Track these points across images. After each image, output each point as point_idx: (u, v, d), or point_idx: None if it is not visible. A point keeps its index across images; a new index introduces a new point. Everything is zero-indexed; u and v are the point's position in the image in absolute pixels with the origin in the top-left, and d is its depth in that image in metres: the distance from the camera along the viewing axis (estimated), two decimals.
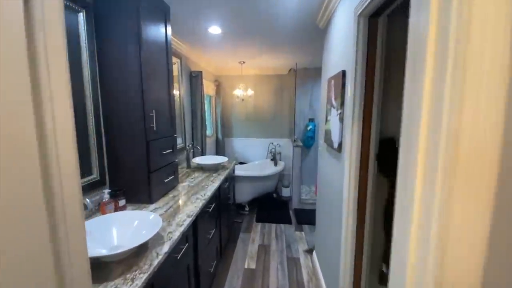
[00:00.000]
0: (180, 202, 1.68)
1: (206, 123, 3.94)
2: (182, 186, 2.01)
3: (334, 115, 1.61)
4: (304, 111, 4.49)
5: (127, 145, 1.59)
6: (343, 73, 1.44)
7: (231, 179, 2.74)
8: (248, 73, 4.40)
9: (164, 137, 1.77)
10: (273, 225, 3.16)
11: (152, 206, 1.59)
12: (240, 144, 4.63)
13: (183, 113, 2.85)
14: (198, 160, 2.66)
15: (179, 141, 2.84)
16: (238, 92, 3.84)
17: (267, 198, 4.06)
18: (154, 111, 1.59)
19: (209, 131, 4.33)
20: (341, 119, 1.45)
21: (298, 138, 4.09)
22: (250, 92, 3.93)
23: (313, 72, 4.39)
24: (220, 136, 4.40)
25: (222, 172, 2.46)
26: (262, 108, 4.51)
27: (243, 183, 3.46)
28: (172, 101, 1.89)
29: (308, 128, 4.35)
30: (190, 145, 2.80)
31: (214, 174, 2.37)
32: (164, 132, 1.77)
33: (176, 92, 2.75)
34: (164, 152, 1.75)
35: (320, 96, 2.24)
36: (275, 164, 4.26)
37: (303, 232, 2.98)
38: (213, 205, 1.94)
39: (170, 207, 1.59)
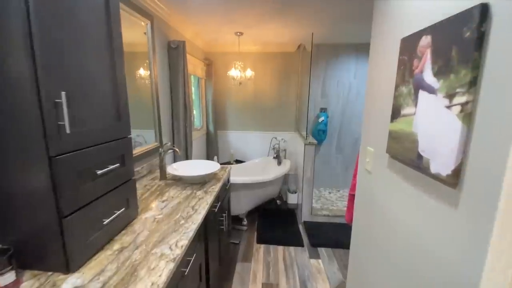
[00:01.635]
0: (131, 264, 0.89)
1: (193, 113, 3.10)
2: (144, 220, 1.22)
3: (432, 105, 0.81)
4: (314, 99, 3.68)
5: (14, 166, 0.78)
6: (482, 11, 0.63)
7: (225, 193, 1.96)
8: (247, 50, 3.52)
9: (100, 143, 0.96)
10: (280, 248, 2.43)
11: (71, 280, 0.81)
12: (237, 139, 3.82)
13: (156, 100, 2.02)
14: (176, 168, 1.86)
15: (150, 139, 2.02)
16: (234, 73, 2.99)
17: (269, 206, 3.31)
18: (64, 94, 0.77)
19: (197, 123, 3.50)
20: (466, 117, 0.67)
21: (308, 134, 3.31)
22: (249, 73, 3.08)
23: (329, 50, 3.55)
24: (211, 129, 3.58)
25: (212, 187, 1.68)
26: (263, 94, 3.68)
27: (239, 192, 2.70)
28: (120, 79, 1.07)
29: (320, 120, 3.56)
30: (169, 144, 1.99)
31: (198, 192, 1.58)
32: (101, 133, 0.96)
33: (142, 71, 1.90)
34: (101, 172, 0.95)
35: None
36: (279, 163, 3.49)
37: (320, 261, 2.25)
38: (193, 257, 1.17)
39: (105, 284, 0.80)
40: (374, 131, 1.22)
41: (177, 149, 1.81)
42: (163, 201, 1.44)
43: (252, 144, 3.80)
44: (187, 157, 2.47)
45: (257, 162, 3.57)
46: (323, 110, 3.65)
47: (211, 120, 3.54)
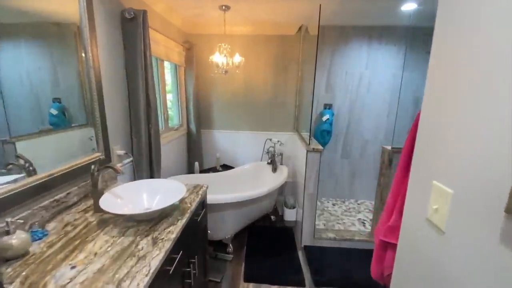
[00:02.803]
0: None
1: (168, 109, 2.47)
2: None
3: None
4: (318, 94, 3.07)
5: None
6: None
7: (196, 225, 1.37)
8: (236, 31, 2.88)
9: None
10: None
11: None
12: (224, 140, 3.20)
13: (96, 93, 1.39)
14: (118, 194, 1.24)
15: (88, 147, 1.39)
16: (219, 58, 2.35)
17: (261, 223, 2.73)
18: None
19: (175, 121, 2.87)
20: None
21: (311, 135, 2.71)
22: (237, 58, 2.45)
23: (335, 34, 2.93)
24: (193, 128, 2.95)
25: (169, 228, 1.08)
26: (256, 87, 3.05)
27: (223, 212, 2.10)
28: None
29: (324, 119, 2.96)
30: (101, 158, 1.36)
31: (143, 242, 0.98)
32: None
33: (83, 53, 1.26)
34: None
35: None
36: (274, 170, 2.90)
37: None
38: None
39: None
40: (458, 158, 0.62)
41: (117, 167, 1.19)
42: (73, 267, 0.83)
43: (242, 146, 3.19)
44: (151, 170, 1.85)
45: (247, 169, 2.98)
46: (328, 107, 3.05)
47: (192, 117, 2.91)
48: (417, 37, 2.88)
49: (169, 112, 2.79)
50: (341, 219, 2.84)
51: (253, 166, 3.00)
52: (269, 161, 2.93)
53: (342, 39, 2.95)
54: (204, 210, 1.51)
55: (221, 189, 2.70)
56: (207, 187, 1.55)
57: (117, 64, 1.61)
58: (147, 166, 1.80)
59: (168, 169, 2.48)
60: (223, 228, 2.16)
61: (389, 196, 1.18)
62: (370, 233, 2.44)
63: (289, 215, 2.65)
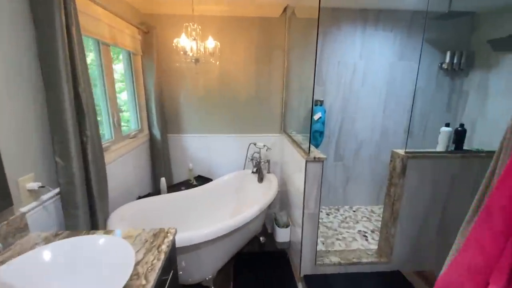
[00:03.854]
0: None
1: (119, 110, 1.84)
2: None
3: None
4: (306, 88, 2.63)
5: None
6: None
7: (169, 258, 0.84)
8: (207, 11, 2.31)
9: None
10: None
11: None
12: (199, 146, 2.63)
13: None
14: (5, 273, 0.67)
15: None
16: (186, 42, 1.78)
17: (249, 248, 2.24)
18: None
19: (132, 125, 2.25)
20: None
21: (304, 138, 2.25)
22: (211, 44, 1.91)
23: (326, 17, 2.50)
24: (157, 132, 2.35)
25: None
26: (234, 79, 2.52)
27: (201, 250, 1.57)
28: None
29: (316, 117, 2.53)
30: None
31: None
32: None
33: None
34: None
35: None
36: (260, 180, 2.43)
37: None
38: None
39: None
40: None
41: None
42: None
43: (221, 153, 2.65)
44: (91, 206, 1.26)
45: (228, 180, 2.45)
46: (319, 103, 2.62)
47: (155, 119, 2.30)
48: (415, 21, 2.56)
49: (124, 115, 2.15)
50: (340, 233, 2.46)
51: (235, 177, 2.48)
52: (255, 169, 2.44)
53: (334, 24, 2.52)
54: (172, 272, 0.98)
55: (196, 212, 2.15)
56: (175, 233, 1.01)
57: (22, 48, 0.99)
58: (84, 201, 1.20)
59: (123, 192, 1.88)
60: (202, 269, 1.64)
61: (477, 246, 0.77)
62: (377, 252, 2.08)
63: (282, 235, 2.20)
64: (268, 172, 2.49)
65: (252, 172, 2.46)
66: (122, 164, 1.86)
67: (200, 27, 1.82)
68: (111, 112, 1.77)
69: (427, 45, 2.63)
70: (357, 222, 2.65)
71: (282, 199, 2.57)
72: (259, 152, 2.46)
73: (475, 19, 2.50)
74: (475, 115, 2.61)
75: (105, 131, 1.78)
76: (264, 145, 2.44)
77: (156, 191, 2.30)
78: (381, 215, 2.87)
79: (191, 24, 1.77)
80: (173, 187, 2.36)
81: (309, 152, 1.69)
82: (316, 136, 2.56)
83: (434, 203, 1.88)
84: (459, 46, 2.60)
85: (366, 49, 2.60)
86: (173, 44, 1.77)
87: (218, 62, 2.38)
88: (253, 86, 2.53)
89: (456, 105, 2.81)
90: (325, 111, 2.61)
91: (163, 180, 2.14)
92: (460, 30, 2.58)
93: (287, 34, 2.46)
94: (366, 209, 2.97)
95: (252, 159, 2.47)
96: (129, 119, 2.26)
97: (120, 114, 1.97)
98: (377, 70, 2.66)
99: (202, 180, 2.51)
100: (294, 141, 2.15)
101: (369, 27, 2.55)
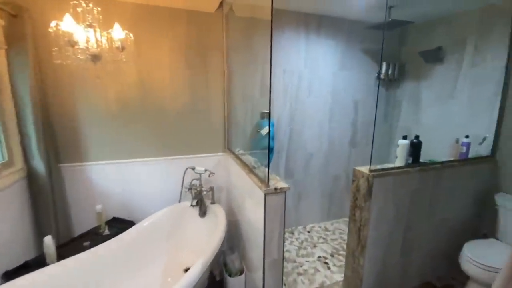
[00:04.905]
0: None
1: None
2: None
3: None
4: (251, 98, 2.26)
5: None
6: None
7: None
8: None
9: None
10: None
11: None
12: (113, 177, 1.92)
13: None
14: None
15: None
16: (76, 29, 1.16)
17: None
18: None
19: None
20: None
21: (257, 161, 1.83)
22: (118, 34, 1.33)
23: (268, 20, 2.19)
24: (39, 164, 1.56)
25: None
26: (160, 86, 1.94)
27: None
28: None
29: (264, 132, 2.17)
30: None
31: None
32: None
33: None
34: None
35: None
36: (203, 214, 1.91)
37: None
38: None
39: None
40: None
41: None
42: None
43: (146, 183, 2.00)
44: None
45: (158, 221, 1.83)
46: (266, 116, 2.28)
47: (35, 145, 1.53)
48: (353, 31, 2.51)
49: None
50: (300, 264, 2.13)
51: (169, 214, 1.89)
52: (194, 202, 1.90)
53: (277, 27, 2.25)
54: None
55: (110, 280, 1.47)
56: None
57: None
58: None
59: None
60: None
61: None
62: (345, 285, 1.82)
63: (235, 285, 1.71)
64: (212, 203, 1.98)
65: (192, 205, 1.91)
66: None
67: (99, 9, 1.23)
68: None
69: (365, 56, 2.63)
70: (315, 246, 2.39)
71: (231, 233, 2.08)
72: (199, 179, 1.94)
73: (407, 31, 2.61)
74: (409, 123, 2.72)
75: None
76: (206, 170, 1.94)
77: (38, 259, 1.49)
78: (335, 232, 2.72)
79: (82, 2, 1.16)
80: (71, 244, 1.60)
81: (268, 182, 1.28)
82: (265, 153, 2.19)
83: (397, 222, 1.73)
84: (393, 57, 2.68)
85: (310, 57, 2.41)
86: (50, 30, 1.13)
87: (136, 64, 1.78)
88: (186, 94, 2.01)
89: (392, 115, 2.91)
90: (273, 125, 2.29)
91: (47, 240, 1.38)
92: (393, 42, 2.66)
93: (226, 34, 2.06)
94: (320, 227, 2.76)
95: (190, 188, 1.93)
96: None
97: None
98: (321, 79, 2.50)
99: (119, 225, 1.82)
100: (244, 164, 1.73)
101: (311, 33, 2.37)
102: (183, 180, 1.99)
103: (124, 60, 1.46)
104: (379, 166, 1.65)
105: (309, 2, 2.12)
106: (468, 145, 1.90)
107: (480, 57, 2.02)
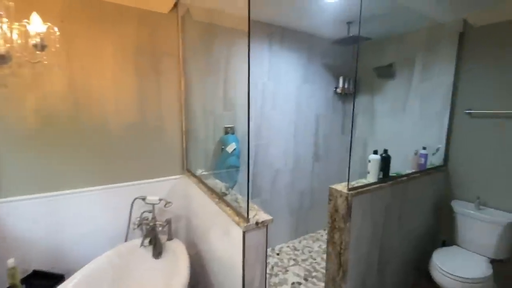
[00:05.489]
0: None
1: None
2: None
3: None
4: (213, 111, 2.03)
5: None
6: None
7: None
8: None
9: None
10: None
11: None
12: (33, 216, 1.43)
13: None
14: None
15: None
16: None
17: None
18: None
19: None
20: None
21: (229, 186, 1.57)
22: (37, 27, 0.97)
23: (233, 23, 2.01)
24: None
25: None
26: (100, 98, 1.56)
27: None
28: None
29: (230, 149, 1.95)
30: None
31: None
32: None
33: None
34: None
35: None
36: (158, 254, 1.56)
37: None
38: None
39: None
40: None
41: None
42: None
43: (79, 221, 1.55)
44: None
45: (94, 274, 1.41)
46: (231, 132, 2.06)
47: None
48: (314, 45, 2.52)
49: None
50: None
51: (111, 260, 1.47)
52: (147, 240, 1.53)
53: (239, 36, 2.08)
54: None
55: None
56: None
57: None
58: None
59: None
60: None
61: None
62: None
63: None
64: (170, 239, 1.64)
65: (143, 245, 1.54)
66: None
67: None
68: None
69: (325, 70, 2.66)
70: (286, 271, 2.20)
71: (194, 270, 1.75)
72: (151, 211, 1.59)
73: (362, 48, 2.72)
74: (365, 135, 2.81)
75: None
76: (160, 199, 1.59)
77: None
78: (304, 250, 2.59)
79: None
80: None
81: (247, 215, 1.05)
82: (232, 173, 1.96)
83: (374, 241, 1.67)
84: (348, 72, 2.77)
85: (274, 69, 2.31)
86: None
87: (66, 69, 1.39)
88: (134, 108, 1.67)
89: (348, 127, 2.99)
90: (238, 141, 2.07)
91: None
92: (350, 57, 2.76)
93: (182, 39, 1.80)
94: (288, 246, 2.60)
95: (140, 224, 1.56)
96: None
97: None
98: (285, 92, 2.42)
99: (43, 281, 1.34)
100: (210, 190, 1.46)
101: (275, 44, 2.28)
102: (130, 214, 1.61)
103: (45, 62, 1.09)
104: (354, 183, 1.57)
105: (271, 13, 2.03)
106: (425, 156, 1.98)
107: (428, 73, 2.18)
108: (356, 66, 2.76)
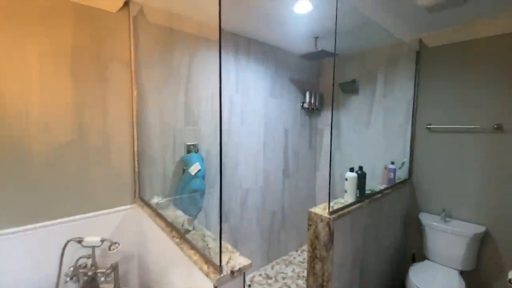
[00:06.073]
0: None
1: None
2: None
3: None
4: (173, 126, 1.76)
5: None
6: None
7: None
8: None
9: None
10: None
11: None
12: None
13: None
14: None
15: None
16: None
17: None
18: None
19: None
20: None
21: (192, 219, 1.29)
22: None
23: (191, 36, 1.82)
24: None
25: None
26: (21, 109, 1.19)
27: None
28: None
29: (193, 171, 1.68)
30: None
31: None
32: None
33: None
34: None
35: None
36: None
37: None
38: None
39: None
40: None
41: None
42: None
43: None
44: None
45: None
46: (194, 150, 1.81)
47: None
48: (280, 59, 2.45)
49: None
50: None
51: None
52: None
53: (202, 44, 1.89)
54: None
55: None
56: None
57: None
58: None
59: None
60: None
61: None
62: None
63: None
64: None
65: None
66: None
67: None
68: None
69: (292, 84, 2.60)
70: None
71: None
72: (91, 256, 1.23)
73: (327, 63, 2.74)
74: (332, 149, 2.79)
75: None
76: (103, 240, 1.25)
77: None
78: (277, 277, 2.38)
79: None
80: None
81: (220, 263, 0.82)
82: (195, 198, 1.68)
83: (355, 265, 1.55)
84: (313, 87, 2.76)
85: (241, 81, 2.15)
86: None
87: None
88: (68, 123, 1.32)
89: (315, 142, 2.95)
90: (203, 159, 1.82)
91: None
92: (315, 72, 2.75)
93: (134, 43, 1.53)
94: (260, 275, 2.37)
95: (75, 274, 1.19)
96: None
97: None
98: (254, 106, 2.27)
99: None
100: (169, 225, 1.18)
101: (242, 55, 2.13)
102: (61, 262, 1.22)
103: None
104: (333, 204, 1.45)
105: (237, 22, 1.90)
106: (394, 171, 1.98)
107: (389, 89, 2.25)
108: (333, 80, 2.76)
